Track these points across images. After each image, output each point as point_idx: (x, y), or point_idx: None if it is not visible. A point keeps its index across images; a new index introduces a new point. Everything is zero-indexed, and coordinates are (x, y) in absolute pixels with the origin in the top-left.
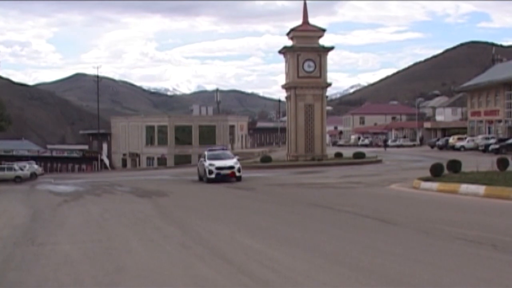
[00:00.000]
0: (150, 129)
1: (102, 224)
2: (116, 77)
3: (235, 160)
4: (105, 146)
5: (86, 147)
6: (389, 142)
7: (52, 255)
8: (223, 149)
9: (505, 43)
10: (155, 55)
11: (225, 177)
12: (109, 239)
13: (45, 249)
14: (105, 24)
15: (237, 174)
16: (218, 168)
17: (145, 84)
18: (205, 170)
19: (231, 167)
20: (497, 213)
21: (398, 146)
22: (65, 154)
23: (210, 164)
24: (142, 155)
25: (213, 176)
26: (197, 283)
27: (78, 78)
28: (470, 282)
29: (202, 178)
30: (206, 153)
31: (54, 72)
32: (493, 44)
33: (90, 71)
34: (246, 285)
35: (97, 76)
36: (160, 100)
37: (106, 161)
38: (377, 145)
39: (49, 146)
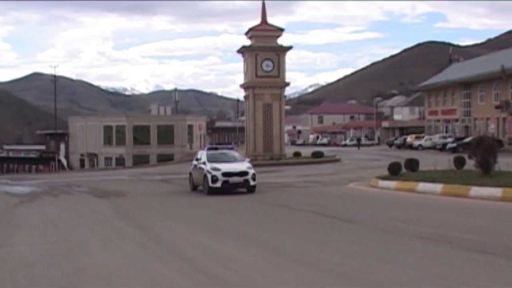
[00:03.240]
0: (108, 129)
1: (59, 225)
2: (73, 77)
3: (247, 163)
4: (62, 146)
5: (43, 147)
6: (348, 142)
7: (9, 257)
8: (229, 148)
9: (461, 43)
10: (112, 55)
11: (234, 187)
12: (67, 240)
13: (1, 251)
14: (62, 23)
15: (252, 183)
16: (226, 175)
17: (103, 84)
18: (205, 177)
19: (244, 173)
20: (454, 211)
21: (355, 145)
22: (22, 155)
23: (214, 169)
24: (100, 155)
25: (218, 185)
26: (155, 284)
27: (34, 77)
28: (428, 279)
29: (197, 188)
30: (204, 153)
31: (9, 72)
32: (450, 44)
33: (47, 70)
34: (205, 284)
35: (54, 76)
36: (118, 100)
37: (64, 162)
38: (336, 144)
39: (5, 147)
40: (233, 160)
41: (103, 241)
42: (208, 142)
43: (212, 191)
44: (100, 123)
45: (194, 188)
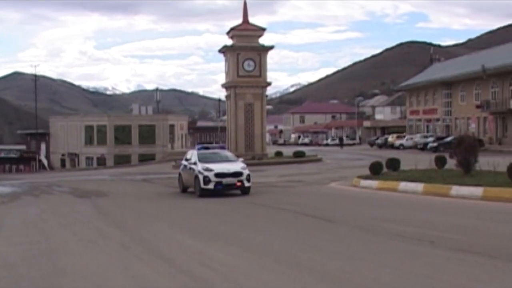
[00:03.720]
0: (89, 128)
1: (40, 225)
2: (55, 76)
3: (241, 164)
4: (43, 146)
5: (24, 147)
6: (329, 141)
7: None
8: (221, 147)
9: (443, 43)
10: (94, 54)
11: (228, 188)
12: (48, 241)
13: None
14: (43, 22)
15: (246, 184)
16: (219, 175)
17: (84, 83)
18: (196, 178)
19: (238, 174)
20: (435, 210)
21: (337, 145)
22: (2, 155)
23: (206, 169)
24: (81, 155)
25: (210, 186)
26: (136, 284)
27: (15, 77)
28: (409, 278)
29: (187, 189)
30: (195, 152)
31: None
32: (431, 44)
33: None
34: (186, 284)
35: (35, 75)
36: (100, 100)
37: (45, 162)
38: (317, 144)
39: None
40: (226, 160)
41: (84, 242)
42: (196, 141)
43: (204, 193)
44: (81, 122)
45: (184, 190)
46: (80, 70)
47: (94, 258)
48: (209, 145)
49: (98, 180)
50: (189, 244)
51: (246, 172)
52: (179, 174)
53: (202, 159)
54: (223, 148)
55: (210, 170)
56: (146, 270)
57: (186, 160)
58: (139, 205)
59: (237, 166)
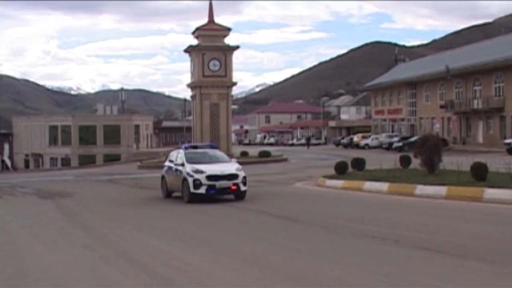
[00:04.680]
0: (53, 129)
1: (3, 226)
2: (18, 76)
3: (236, 164)
4: (6, 146)
5: None
6: (295, 141)
7: None
8: (211, 147)
9: (407, 44)
10: (58, 53)
11: (221, 192)
12: (11, 242)
13: None
14: (5, 20)
15: (242, 188)
16: (211, 178)
17: (48, 83)
18: (184, 181)
19: (233, 176)
20: (399, 209)
21: (303, 145)
22: None
23: (196, 171)
24: (45, 155)
25: (201, 190)
26: (101, 285)
27: None
28: (373, 277)
29: (171, 194)
30: (181, 152)
31: None
32: (396, 45)
33: None
34: (151, 285)
35: None
36: (64, 99)
37: (8, 162)
38: (283, 144)
39: None
40: (217, 160)
41: (48, 243)
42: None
43: (194, 198)
44: (45, 123)
45: (168, 195)
46: (43, 70)
47: (59, 259)
48: (198, 144)
49: (63, 181)
50: (154, 244)
51: (241, 174)
52: (162, 177)
53: (190, 160)
54: (213, 147)
55: (201, 172)
56: (111, 271)
57: (170, 161)
58: (103, 205)
59: (232, 167)
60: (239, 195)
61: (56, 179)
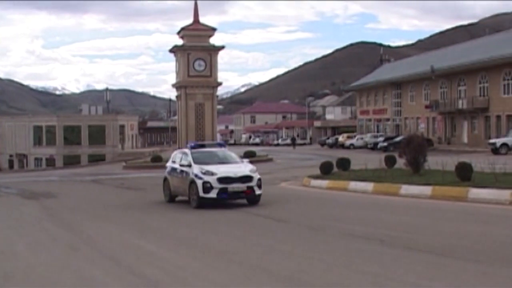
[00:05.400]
0: (38, 129)
1: None
2: (2, 76)
3: (249, 165)
4: None
5: None
6: (280, 141)
7: None
8: (220, 146)
9: (392, 44)
10: (42, 53)
11: (234, 196)
12: None
13: None
14: None
15: (257, 191)
16: (223, 181)
17: (32, 83)
18: (192, 184)
19: (247, 179)
20: (384, 209)
21: (288, 145)
22: None
23: (206, 173)
24: (29, 156)
25: (212, 195)
26: (86, 286)
27: None
28: (358, 277)
29: (175, 198)
30: (187, 152)
31: None
32: (381, 45)
33: None
34: (136, 285)
35: None
36: (48, 100)
37: None
38: (268, 144)
39: None
40: (228, 161)
41: (32, 244)
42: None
43: (204, 203)
44: (29, 123)
45: (172, 199)
46: (28, 70)
47: (43, 260)
48: (205, 143)
49: (47, 181)
50: (139, 245)
51: (256, 176)
52: (165, 179)
53: (198, 161)
54: (222, 146)
55: (211, 173)
56: (96, 271)
57: (174, 162)
58: (87, 206)
59: (245, 168)
60: (253, 200)
61: (40, 180)
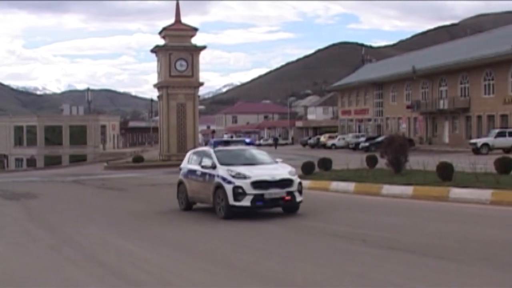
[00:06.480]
0: (18, 129)
1: None
2: None
3: (288, 167)
4: None
5: None
6: (262, 141)
7: None
8: (248, 143)
9: (374, 44)
10: (23, 53)
11: (271, 204)
12: None
13: None
14: None
15: (298, 198)
16: (258, 185)
17: (13, 83)
18: (219, 189)
19: (286, 183)
20: (366, 209)
21: (270, 145)
22: None
23: (236, 175)
24: (10, 156)
25: (245, 202)
26: (67, 286)
27: None
28: (341, 276)
29: (192, 206)
30: (209, 151)
31: None
32: (362, 45)
33: None
34: (118, 286)
35: None
36: (29, 100)
37: None
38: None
39: None
40: (258, 161)
41: (12, 244)
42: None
43: (234, 213)
44: (10, 123)
45: (189, 206)
46: (8, 70)
47: (24, 261)
48: (230, 140)
49: (28, 182)
50: (121, 245)
51: (296, 180)
52: (179, 184)
53: (224, 161)
54: (250, 144)
55: (243, 177)
56: (78, 273)
57: (192, 160)
58: (69, 206)
59: (283, 170)
60: (293, 207)
61: (21, 180)
